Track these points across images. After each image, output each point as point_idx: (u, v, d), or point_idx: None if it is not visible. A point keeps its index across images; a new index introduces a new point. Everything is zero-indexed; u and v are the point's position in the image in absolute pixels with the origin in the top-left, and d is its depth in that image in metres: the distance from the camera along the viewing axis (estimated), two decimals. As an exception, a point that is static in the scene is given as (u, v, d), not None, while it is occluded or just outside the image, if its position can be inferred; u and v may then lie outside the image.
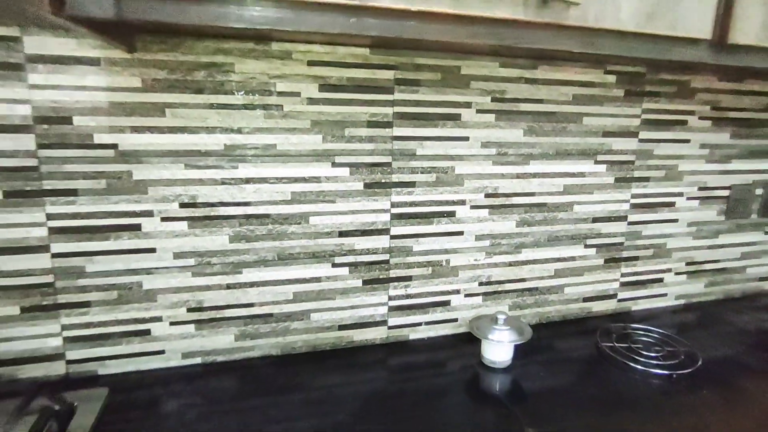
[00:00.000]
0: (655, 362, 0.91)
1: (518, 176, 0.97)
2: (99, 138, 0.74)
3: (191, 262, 0.82)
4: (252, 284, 0.86)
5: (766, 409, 0.77)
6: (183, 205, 0.80)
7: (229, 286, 0.85)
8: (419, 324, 0.98)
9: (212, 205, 0.81)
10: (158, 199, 0.79)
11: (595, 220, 1.06)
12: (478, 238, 0.98)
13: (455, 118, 0.91)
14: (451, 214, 0.95)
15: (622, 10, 0.59)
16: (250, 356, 0.89)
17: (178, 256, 0.82)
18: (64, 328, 0.79)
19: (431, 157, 0.91)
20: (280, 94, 0.80)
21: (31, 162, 0.73)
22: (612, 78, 0.99)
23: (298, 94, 0.81)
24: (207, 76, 0.77)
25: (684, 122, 1.08)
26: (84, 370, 0.81)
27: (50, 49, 0.70)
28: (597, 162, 1.03)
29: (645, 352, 0.95)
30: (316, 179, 0.85)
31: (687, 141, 1.10)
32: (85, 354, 0.81)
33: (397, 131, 0.88)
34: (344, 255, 0.90)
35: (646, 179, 1.08)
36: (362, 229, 0.90)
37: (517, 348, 0.92)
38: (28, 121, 0.71)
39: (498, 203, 0.97)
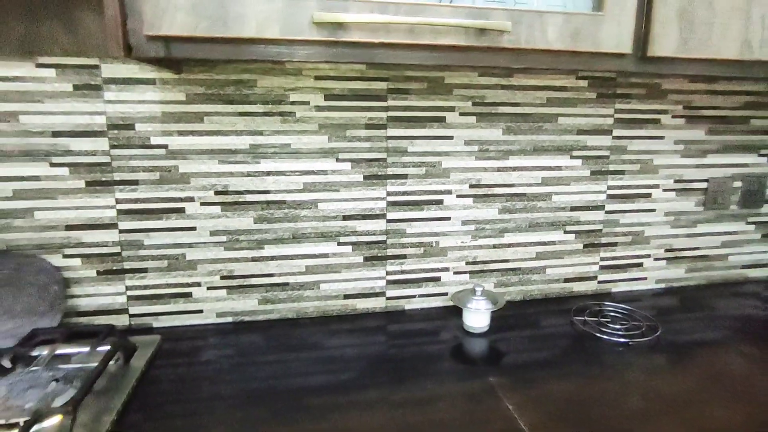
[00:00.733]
0: (617, 333, 1.05)
1: (499, 169, 1.13)
2: (154, 140, 0.97)
3: (223, 238, 1.03)
4: (272, 258, 1.06)
5: (703, 371, 0.90)
6: (217, 193, 1.01)
7: (253, 259, 1.06)
8: (413, 296, 1.16)
9: (240, 193, 1.02)
10: (198, 188, 1.00)
11: (573, 208, 1.20)
12: (464, 223, 1.14)
13: (441, 120, 1.08)
14: (440, 202, 1.12)
15: (548, 33, 0.75)
16: (270, 318, 1.09)
17: (213, 233, 1.03)
18: (128, 288, 1.02)
19: (421, 153, 1.08)
20: (293, 103, 1.00)
21: (105, 159, 0.96)
22: (584, 83, 1.13)
23: (307, 103, 1.01)
24: (235, 90, 0.98)
25: (657, 120, 1.20)
26: (142, 323, 1.04)
27: (120, 73, 0.93)
28: (573, 157, 1.17)
29: (611, 325, 1.08)
30: (324, 172, 1.05)
31: (661, 138, 1.21)
32: (143, 310, 1.03)
33: (391, 132, 1.06)
34: (348, 235, 1.09)
35: (622, 172, 1.21)
36: (363, 214, 1.09)
37: (496, 318, 1.08)
38: (103, 128, 0.94)
39: (481, 193, 1.13)
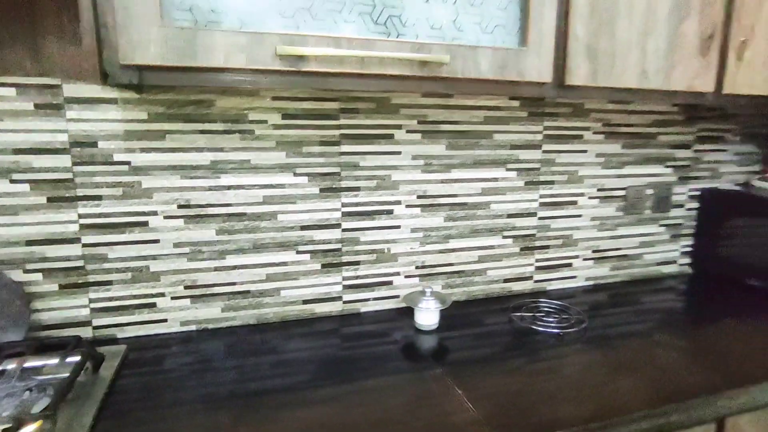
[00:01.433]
0: (551, 325, 1.17)
1: (442, 181, 1.24)
2: (117, 157, 1.01)
3: (186, 250, 1.09)
4: (233, 267, 1.12)
5: (620, 355, 1.03)
6: (180, 206, 1.06)
7: (216, 269, 1.11)
8: (368, 299, 1.24)
9: (202, 206, 1.08)
10: (161, 202, 1.05)
11: (510, 215, 1.33)
12: (413, 230, 1.24)
13: (389, 137, 1.18)
14: (390, 211, 1.21)
15: (481, 65, 0.86)
16: (232, 324, 1.15)
17: (176, 245, 1.08)
18: (91, 301, 1.05)
19: (372, 167, 1.18)
20: (252, 121, 1.07)
21: (68, 175, 0.99)
22: (516, 103, 1.27)
23: (265, 122, 1.08)
24: (195, 109, 1.04)
25: (580, 136, 1.35)
26: (106, 334, 1.07)
27: (82, 92, 0.97)
28: (508, 169, 1.30)
29: (546, 319, 1.21)
30: (282, 186, 1.12)
31: (584, 151, 1.37)
32: (107, 321, 1.07)
33: (344, 148, 1.15)
34: (305, 244, 1.16)
35: (552, 182, 1.35)
36: (319, 224, 1.16)
37: (444, 317, 1.18)
38: (65, 145, 0.98)
39: (427, 203, 1.24)
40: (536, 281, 1.40)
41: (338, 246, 1.19)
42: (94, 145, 0.99)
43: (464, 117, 1.23)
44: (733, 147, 1.55)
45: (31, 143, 0.96)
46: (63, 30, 0.94)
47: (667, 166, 1.47)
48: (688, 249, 1.57)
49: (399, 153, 1.19)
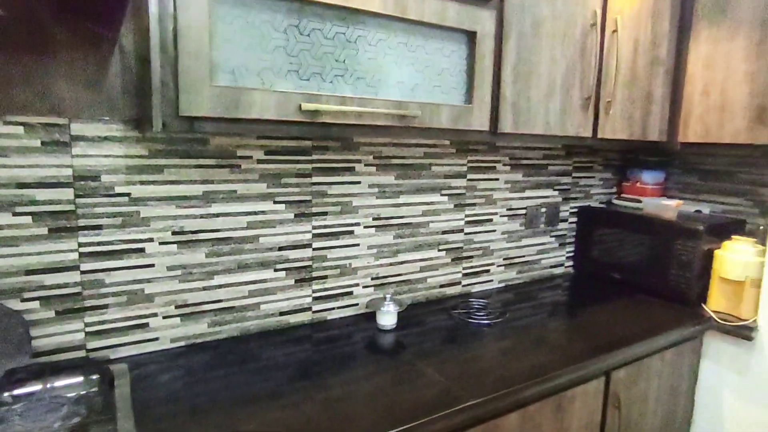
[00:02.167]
0: (482, 318, 1.47)
1: (393, 205, 1.49)
2: (118, 189, 1.10)
3: (179, 272, 1.19)
4: (220, 286, 1.25)
5: (531, 334, 1.35)
6: (174, 233, 1.18)
7: (204, 288, 1.23)
8: (333, 308, 1.44)
9: (194, 232, 1.20)
10: (157, 230, 1.15)
11: (444, 232, 1.62)
12: (369, 247, 1.47)
13: (351, 169, 1.40)
14: (351, 232, 1.43)
15: (442, 117, 1.13)
16: (218, 338, 1.27)
17: (169, 268, 1.18)
18: (86, 324, 1.11)
19: (337, 195, 1.39)
20: (240, 157, 1.23)
21: (70, 207, 1.06)
22: (447, 141, 1.57)
23: (251, 157, 1.24)
24: (191, 147, 1.17)
25: (494, 167, 1.69)
26: (100, 355, 1.13)
27: (88, 131, 1.06)
28: (441, 194, 1.59)
29: (476, 314, 1.50)
30: (263, 212, 1.28)
31: (497, 179, 1.71)
32: (101, 344, 1.13)
33: (315, 179, 1.34)
34: (282, 263, 1.33)
35: (474, 204, 1.67)
36: (293, 244, 1.34)
37: (399, 318, 1.41)
38: (69, 179, 1.05)
39: (381, 224, 1.48)
40: (464, 285, 1.70)
41: (309, 263, 1.37)
42: (97, 178, 1.08)
43: (409, 153, 1.49)
44: (599, 174, 2.02)
45: (36, 177, 1.02)
46: (75, 73, 1.02)
47: (555, 189, 1.88)
48: (571, 254, 1.99)
49: (359, 182, 1.42)
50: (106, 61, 1.05)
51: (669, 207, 1.72)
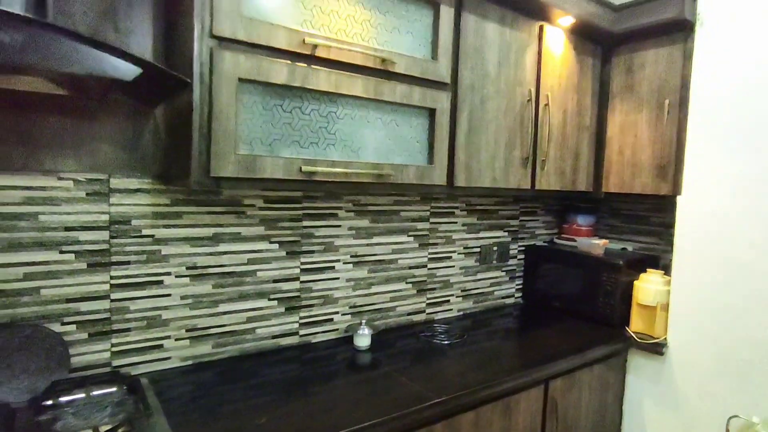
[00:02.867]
0: (444, 339, 1.74)
1: (367, 245, 1.77)
2: (145, 231, 1.34)
3: (190, 301, 1.42)
4: (224, 313, 1.48)
5: (486, 352, 1.63)
6: (188, 268, 1.41)
7: (210, 315, 1.46)
8: (317, 332, 1.68)
9: (204, 267, 1.44)
10: (174, 265, 1.39)
11: (411, 267, 1.90)
12: (348, 280, 1.73)
13: (335, 215, 1.67)
14: (333, 267, 1.69)
15: (410, 174, 1.43)
16: (221, 357, 1.49)
17: (183, 298, 1.41)
18: (113, 345, 1.32)
19: (322, 236, 1.65)
20: (244, 205, 1.49)
21: (105, 246, 1.29)
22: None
23: (254, 205, 1.50)
24: (205, 197, 1.42)
25: (453, 213, 2.00)
26: (124, 372, 1.33)
27: (123, 185, 1.30)
28: (408, 235, 1.87)
29: (440, 336, 1.77)
30: (261, 251, 1.53)
31: (455, 222, 2.02)
32: (124, 362, 1.34)
33: (304, 223, 1.61)
34: (275, 293, 1.57)
35: (436, 244, 1.96)
36: (285, 277, 1.59)
37: (373, 340, 1.66)
38: (106, 223, 1.29)
39: (357, 260, 1.75)
40: (428, 313, 1.97)
41: (298, 294, 1.62)
42: (128, 222, 1.32)
43: (382, 201, 1.78)
44: (542, 218, 2.37)
45: (80, 222, 1.25)
46: (116, 138, 1.28)
47: (505, 231, 2.21)
48: (520, 286, 2.30)
49: (340, 226, 1.69)
50: (142, 129, 1.31)
51: (597, 245, 2.06)
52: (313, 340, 1.67)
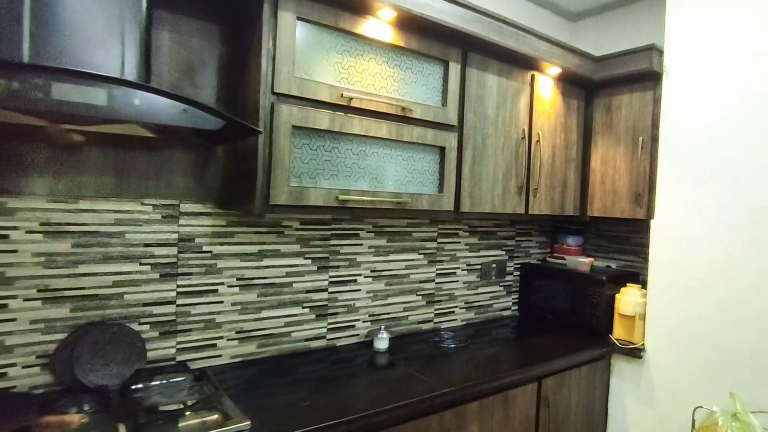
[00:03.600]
0: (450, 343, 2.00)
1: (384, 261, 2.04)
2: (206, 248, 1.61)
3: (239, 307, 1.69)
4: (267, 318, 1.75)
5: (487, 354, 1.89)
6: (238, 279, 1.68)
7: (255, 319, 1.72)
8: (342, 337, 1.94)
9: (250, 279, 1.71)
10: (227, 276, 1.66)
11: (420, 281, 2.17)
12: (368, 292, 2.00)
13: (357, 235, 1.95)
14: (355, 280, 1.96)
15: (423, 202, 1.72)
16: (263, 356, 1.75)
17: (233, 304, 1.68)
18: (178, 343, 1.58)
19: (347, 253, 1.93)
20: (284, 226, 1.77)
21: (174, 260, 1.56)
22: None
23: (291, 226, 1.78)
24: (254, 219, 1.70)
25: (457, 234, 2.29)
26: (183, 365, 1.59)
27: (190, 209, 1.58)
28: (419, 253, 2.15)
29: (447, 341, 2.04)
30: (296, 266, 1.81)
31: (459, 242, 2.30)
32: (186, 357, 1.60)
33: (332, 242, 1.89)
34: (308, 302, 1.84)
35: (442, 261, 2.24)
36: (315, 288, 1.86)
37: (389, 343, 1.93)
38: (176, 241, 1.56)
39: (376, 275, 2.02)
40: (435, 322, 2.24)
41: (326, 303, 1.89)
42: (192, 240, 1.59)
43: (397, 223, 2.07)
44: (536, 238, 2.65)
45: (156, 239, 1.53)
46: (186, 170, 1.56)
47: (502, 250, 2.49)
48: (516, 300, 2.57)
49: (362, 244, 1.97)
50: (207, 163, 1.60)
51: (584, 263, 2.34)
52: (338, 344, 1.94)
